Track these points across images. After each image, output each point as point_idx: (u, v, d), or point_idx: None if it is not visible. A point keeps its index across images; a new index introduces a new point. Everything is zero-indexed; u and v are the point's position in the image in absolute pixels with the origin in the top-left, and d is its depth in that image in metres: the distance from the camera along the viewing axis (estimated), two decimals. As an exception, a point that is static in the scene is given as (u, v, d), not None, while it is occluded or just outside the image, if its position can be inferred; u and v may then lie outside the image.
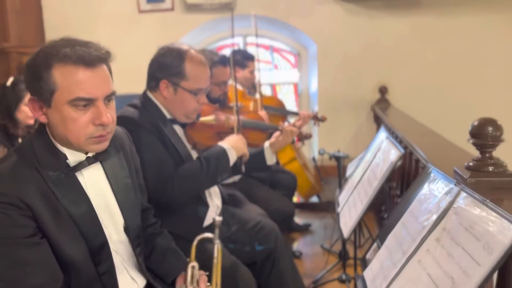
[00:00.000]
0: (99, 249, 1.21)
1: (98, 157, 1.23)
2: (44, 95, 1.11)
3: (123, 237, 1.30)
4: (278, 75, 4.74)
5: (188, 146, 1.96)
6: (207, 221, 1.89)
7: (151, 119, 1.79)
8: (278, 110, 2.93)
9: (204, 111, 2.01)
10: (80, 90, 1.09)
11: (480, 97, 3.93)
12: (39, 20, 4.19)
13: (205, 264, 1.45)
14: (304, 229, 3.67)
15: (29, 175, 1.11)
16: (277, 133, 2.34)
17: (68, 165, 1.18)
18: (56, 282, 1.13)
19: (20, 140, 2.63)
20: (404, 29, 4.01)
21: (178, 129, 1.93)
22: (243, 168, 1.89)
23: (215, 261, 1.38)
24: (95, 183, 1.23)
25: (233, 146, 1.90)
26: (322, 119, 3.14)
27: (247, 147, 2.03)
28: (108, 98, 1.15)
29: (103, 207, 1.24)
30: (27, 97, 2.58)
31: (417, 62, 4.04)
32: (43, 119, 1.15)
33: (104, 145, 1.19)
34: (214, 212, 1.95)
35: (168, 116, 1.88)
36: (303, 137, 2.64)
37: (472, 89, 3.98)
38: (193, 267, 1.35)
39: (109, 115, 1.14)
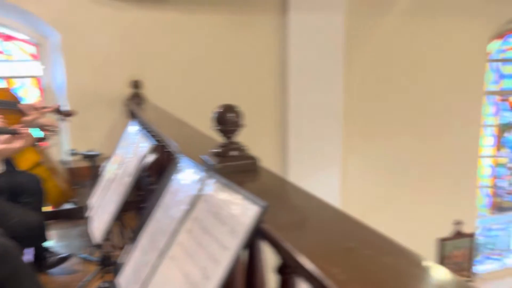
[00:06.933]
0: None
1: None
2: None
3: None
4: (14, 68, 4.07)
5: None
6: None
7: None
8: (7, 105, 2.42)
9: None
10: None
11: (227, 89, 4.26)
12: None
13: None
14: (63, 262, 2.77)
15: None
16: (5, 137, 1.90)
17: None
18: None
19: None
20: (153, 23, 4.00)
21: None
22: None
23: None
24: None
25: None
26: (69, 114, 2.75)
27: None
28: None
29: None
30: None
31: (169, 56, 4.09)
32: None
33: None
34: None
35: None
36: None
37: (221, 82, 4.28)
38: None
39: None
